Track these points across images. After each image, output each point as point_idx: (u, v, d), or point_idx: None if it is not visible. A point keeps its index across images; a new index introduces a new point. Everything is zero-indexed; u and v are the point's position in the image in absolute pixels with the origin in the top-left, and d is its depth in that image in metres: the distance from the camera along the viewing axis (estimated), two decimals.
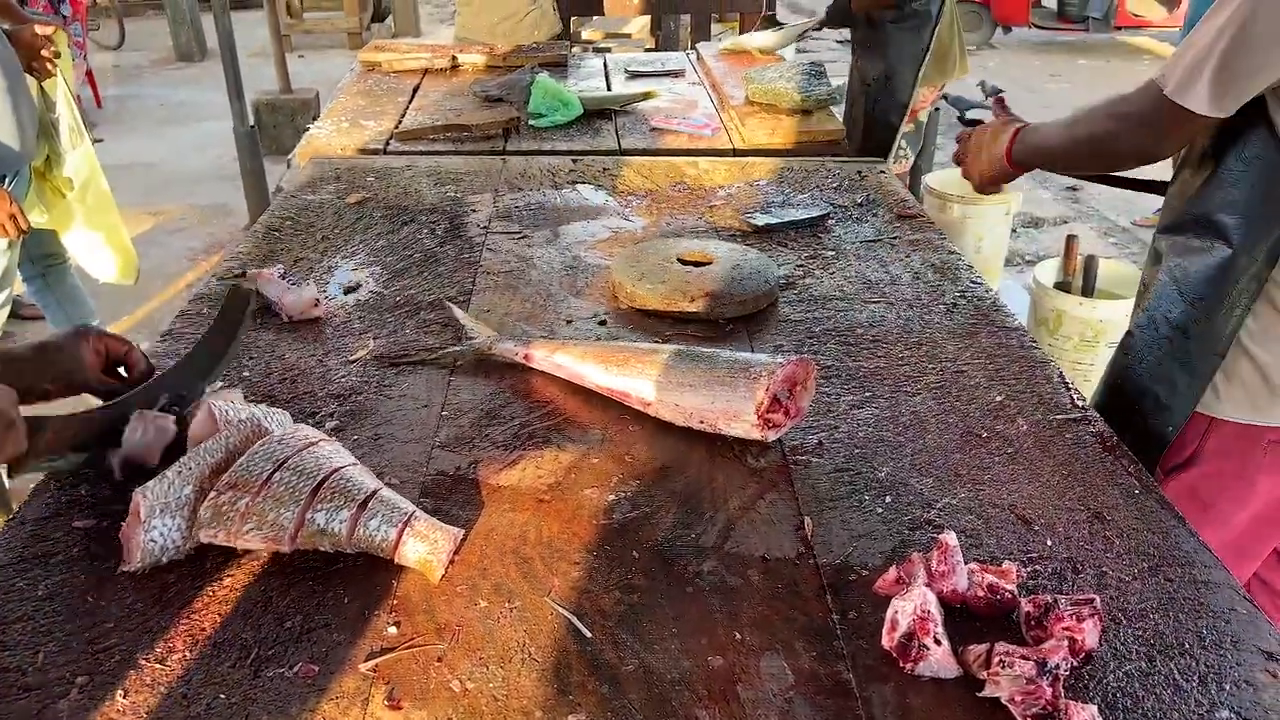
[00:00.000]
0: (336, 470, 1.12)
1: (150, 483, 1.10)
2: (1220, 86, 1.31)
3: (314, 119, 3.17)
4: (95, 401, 1.28)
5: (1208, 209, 1.45)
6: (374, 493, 1.11)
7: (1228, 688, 0.97)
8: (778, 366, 1.32)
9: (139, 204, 5.54)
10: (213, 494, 1.09)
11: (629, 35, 7.51)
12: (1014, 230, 4.87)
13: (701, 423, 1.34)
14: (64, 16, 6.45)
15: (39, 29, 2.91)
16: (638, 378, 1.38)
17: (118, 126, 7.22)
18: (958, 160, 1.83)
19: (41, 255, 3.17)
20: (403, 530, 1.08)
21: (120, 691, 0.93)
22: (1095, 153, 1.55)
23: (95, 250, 3.16)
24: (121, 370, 1.33)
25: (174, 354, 1.52)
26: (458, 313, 1.60)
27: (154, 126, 7.29)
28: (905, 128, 4.04)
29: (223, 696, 0.93)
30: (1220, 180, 1.43)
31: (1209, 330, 1.47)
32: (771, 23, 4.31)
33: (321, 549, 1.09)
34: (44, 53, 2.85)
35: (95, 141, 6.50)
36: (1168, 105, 1.37)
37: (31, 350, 1.25)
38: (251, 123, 5.02)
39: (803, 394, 1.35)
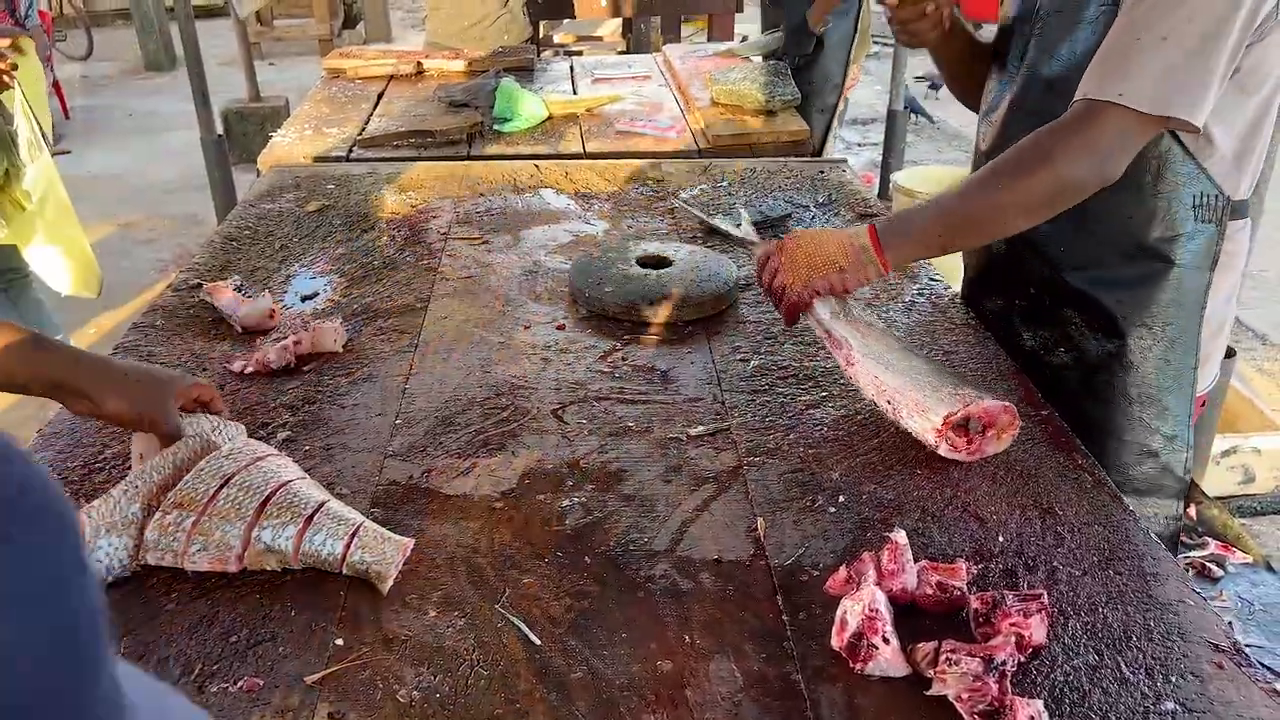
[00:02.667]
0: (283, 485, 1.11)
1: (96, 501, 1.08)
2: (1207, 95, 1.24)
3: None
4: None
5: (1141, 236, 1.41)
6: (321, 506, 1.10)
7: (1174, 679, 0.97)
8: (988, 397, 1.29)
9: (107, 215, 5.49)
10: (158, 514, 1.08)
11: (600, 38, 7.50)
12: None
13: (889, 403, 1.32)
14: (26, 30, 6.37)
15: None
16: (864, 336, 1.37)
17: (86, 138, 7.14)
18: (768, 288, 1.46)
19: (2, 270, 3.13)
20: (350, 542, 1.07)
21: None
22: (1027, 203, 1.31)
23: (56, 263, 3.12)
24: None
25: None
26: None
27: (122, 137, 7.22)
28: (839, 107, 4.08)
29: None
30: (1145, 204, 1.39)
31: (1186, 350, 1.45)
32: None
33: (269, 568, 1.08)
34: None
35: (62, 154, 6.45)
36: (1141, 121, 1.25)
37: (134, 374, 1.21)
38: (220, 132, 4.98)
39: (993, 441, 1.31)
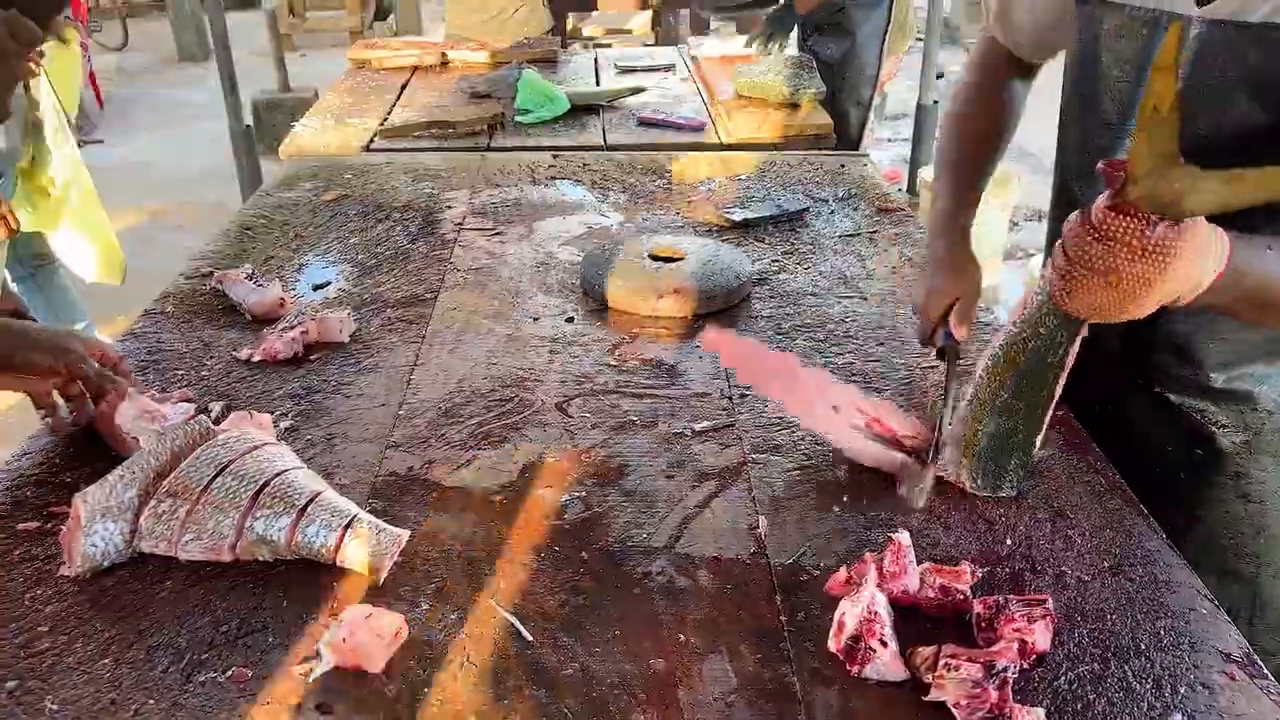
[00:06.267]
0: (279, 474, 1.10)
1: (91, 487, 1.08)
2: None
3: None
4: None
5: None
6: (315, 496, 1.09)
7: (1182, 690, 0.94)
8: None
9: (138, 203, 5.54)
10: (153, 502, 1.07)
11: (630, 31, 7.48)
12: (1014, 223, 4.82)
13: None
14: (65, 17, 6.44)
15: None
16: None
17: (120, 126, 7.22)
18: (1065, 275, 1.00)
19: (29, 256, 3.16)
20: (344, 534, 1.06)
21: (49, 697, 0.91)
22: None
23: (81, 250, 3.15)
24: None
25: (136, 352, 1.51)
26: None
27: (156, 127, 7.29)
28: (874, 99, 4.03)
29: (151, 702, 0.91)
30: None
31: None
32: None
33: (262, 558, 1.07)
34: None
35: (96, 143, 6.51)
36: None
37: (37, 330, 1.28)
38: (249, 122, 5.02)
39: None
